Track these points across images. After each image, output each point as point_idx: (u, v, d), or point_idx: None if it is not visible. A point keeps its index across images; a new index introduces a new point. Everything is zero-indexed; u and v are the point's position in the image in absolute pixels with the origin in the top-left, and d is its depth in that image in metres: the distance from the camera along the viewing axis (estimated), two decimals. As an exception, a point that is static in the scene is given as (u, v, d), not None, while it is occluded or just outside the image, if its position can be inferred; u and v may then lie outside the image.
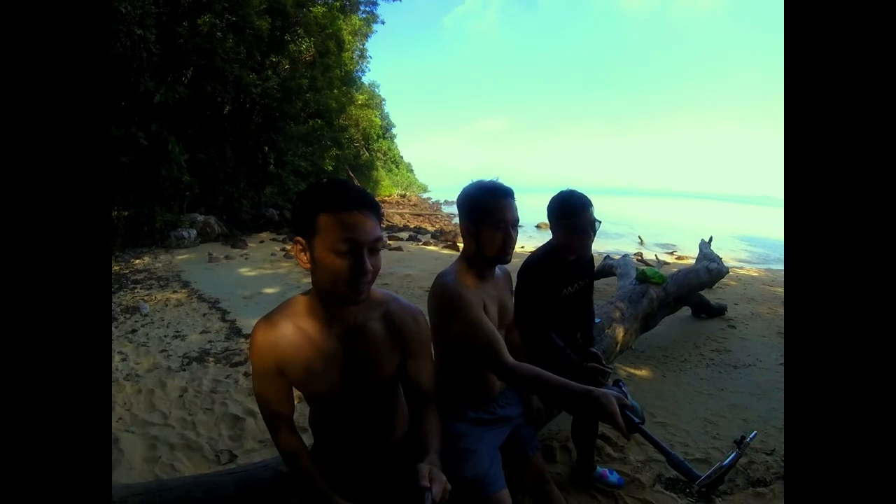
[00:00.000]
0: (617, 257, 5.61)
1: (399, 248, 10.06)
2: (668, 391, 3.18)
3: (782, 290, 6.54)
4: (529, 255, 1.87)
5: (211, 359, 3.68)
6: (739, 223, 29.89)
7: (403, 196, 37.64)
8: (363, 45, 20.99)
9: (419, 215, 22.06)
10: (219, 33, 10.21)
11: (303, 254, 0.98)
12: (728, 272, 5.43)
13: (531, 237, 14.84)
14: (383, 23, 20.84)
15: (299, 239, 0.97)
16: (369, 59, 22.22)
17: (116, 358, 3.64)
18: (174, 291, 5.85)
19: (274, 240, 11.07)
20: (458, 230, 1.42)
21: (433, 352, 1.27)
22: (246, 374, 3.34)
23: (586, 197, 1.75)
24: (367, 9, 19.47)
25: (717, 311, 4.96)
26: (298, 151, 13.69)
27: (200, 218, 10.29)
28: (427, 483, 0.89)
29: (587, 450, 2.10)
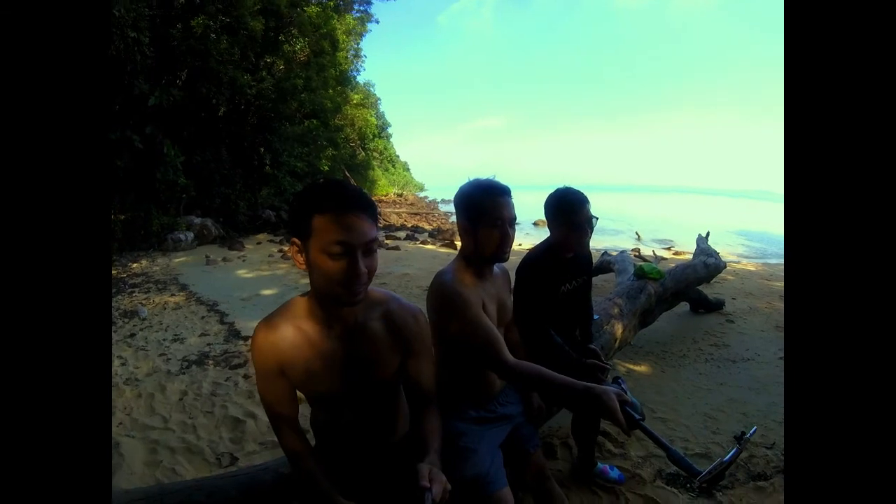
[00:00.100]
0: (614, 253, 5.61)
1: (396, 248, 10.05)
2: (667, 386, 3.19)
3: (780, 284, 6.57)
4: (528, 253, 1.87)
5: (210, 361, 3.67)
6: (736, 218, 29.98)
7: (400, 195, 37.62)
8: (358, 44, 20.95)
9: (416, 214, 22.04)
10: (213, 35, 10.17)
11: (299, 255, 0.98)
12: (725, 267, 5.45)
13: (528, 234, 14.85)
14: (377, 22, 20.82)
15: (295, 240, 0.97)
16: (364, 58, 22.23)
17: (115, 362, 3.63)
18: (172, 295, 5.84)
19: (271, 241, 11.04)
20: (456, 229, 1.42)
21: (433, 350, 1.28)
22: (245, 377, 3.34)
23: (583, 194, 1.76)
24: (362, 8, 19.46)
25: (715, 306, 4.97)
26: (294, 152, 13.65)
27: (197, 220, 10.26)
28: (427, 483, 0.89)
29: (588, 446, 2.10)
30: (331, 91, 15.60)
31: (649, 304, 3.42)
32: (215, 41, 10.23)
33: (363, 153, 29.22)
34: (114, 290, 5.97)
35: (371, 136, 31.27)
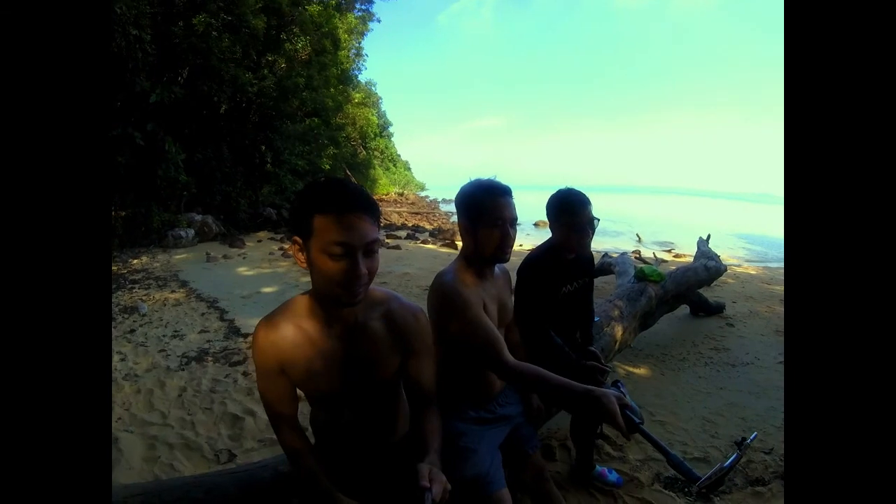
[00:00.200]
0: (615, 255, 5.61)
1: (397, 247, 10.06)
2: (666, 390, 3.19)
3: (780, 288, 6.57)
4: (529, 253, 1.87)
5: (210, 358, 3.67)
6: (738, 221, 29.98)
7: (401, 194, 37.59)
8: (359, 43, 20.97)
9: (417, 213, 22.05)
10: (214, 33, 10.16)
11: (300, 254, 0.97)
12: (726, 270, 5.45)
13: (529, 235, 14.85)
14: (379, 21, 20.85)
15: (297, 239, 0.97)
16: (365, 57, 22.22)
17: (115, 358, 3.63)
18: (172, 291, 5.84)
19: (272, 239, 11.05)
20: (457, 228, 1.41)
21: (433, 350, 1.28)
22: (245, 374, 3.34)
23: (585, 195, 1.75)
24: (363, 7, 19.48)
25: (716, 310, 4.97)
26: (295, 150, 13.65)
27: (198, 217, 10.27)
28: (427, 483, 0.89)
29: (586, 449, 2.10)
30: (332, 90, 15.61)
31: (650, 307, 3.42)
32: (217, 39, 10.23)
33: (364, 152, 29.21)
34: (114, 286, 5.97)
35: (372, 136, 31.25)
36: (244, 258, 8.40)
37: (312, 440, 1.26)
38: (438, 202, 35.00)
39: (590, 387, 1.07)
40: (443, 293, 1.31)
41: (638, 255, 9.71)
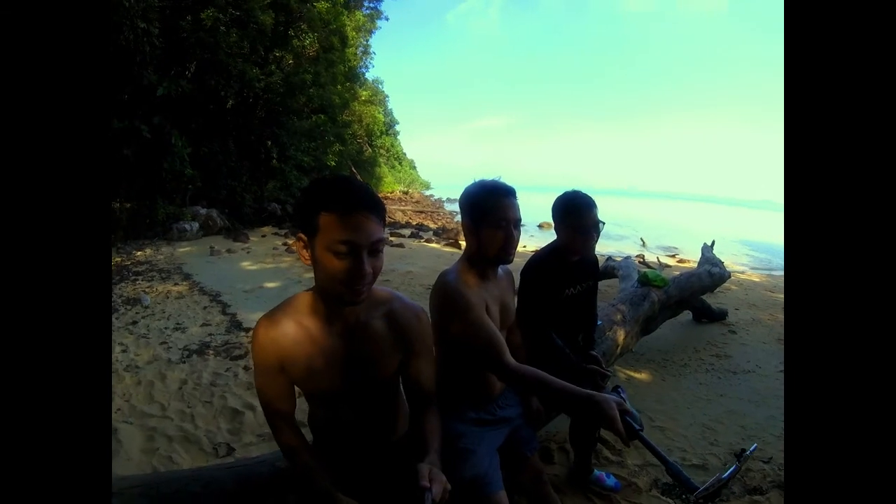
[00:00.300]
0: (619, 259, 5.60)
1: (401, 245, 10.06)
2: (667, 395, 3.18)
3: (784, 296, 6.54)
4: (533, 255, 1.87)
5: (211, 352, 3.68)
6: (742, 227, 29.87)
7: (406, 193, 37.60)
8: (367, 41, 20.94)
9: (421, 212, 22.05)
10: (222, 27, 10.20)
11: (304, 250, 0.97)
12: (730, 277, 5.42)
13: (533, 236, 14.83)
14: (387, 19, 20.85)
15: (301, 235, 0.97)
16: (373, 55, 22.19)
17: (117, 349, 3.65)
18: (175, 284, 5.86)
19: (276, 234, 11.08)
20: (461, 228, 1.41)
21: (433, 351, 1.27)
22: (246, 368, 3.35)
23: (591, 198, 1.75)
24: (371, 5, 19.48)
25: (718, 316, 4.95)
26: (301, 146, 13.68)
27: (203, 211, 10.31)
28: (427, 483, 0.89)
29: (585, 452, 2.10)
30: (339, 87, 15.62)
31: (652, 312, 3.41)
32: (225, 34, 10.26)
33: (370, 150, 29.22)
34: (117, 278, 6.00)
35: (378, 133, 31.28)
36: (248, 253, 8.42)
37: (310, 438, 1.26)
38: (443, 201, 34.99)
39: (590, 392, 1.07)
40: (445, 293, 1.31)
41: (642, 260, 9.69)
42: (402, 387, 1.21)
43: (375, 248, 0.95)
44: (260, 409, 2.67)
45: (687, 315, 4.80)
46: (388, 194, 30.96)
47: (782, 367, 3.73)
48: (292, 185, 13.35)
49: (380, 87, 33.90)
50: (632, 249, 12.59)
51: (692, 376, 3.56)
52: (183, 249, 8.37)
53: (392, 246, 9.72)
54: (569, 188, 1.83)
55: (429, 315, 1.23)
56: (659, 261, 9.79)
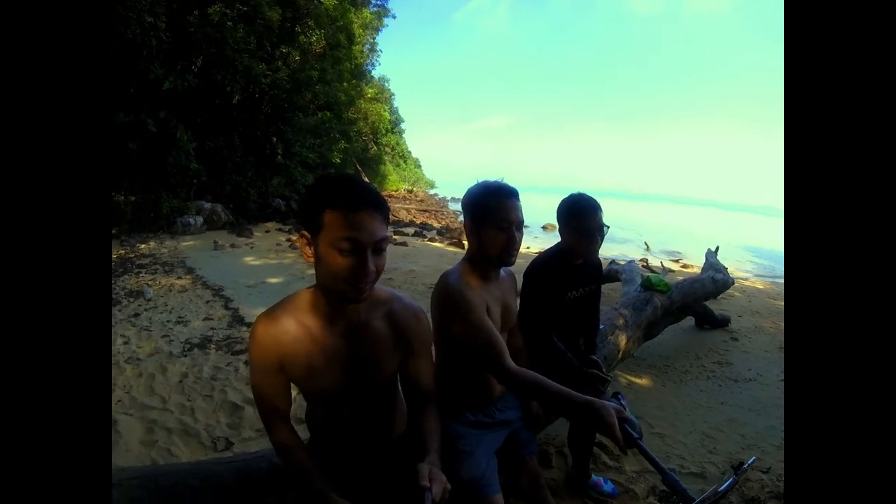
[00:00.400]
0: (623, 262, 5.58)
1: (404, 244, 10.06)
2: (667, 402, 3.17)
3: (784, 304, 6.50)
4: (537, 257, 1.87)
5: (212, 346, 3.69)
6: (747, 233, 29.75)
7: (410, 191, 37.59)
8: (374, 38, 20.94)
9: (425, 211, 22.04)
10: (229, 23, 10.22)
11: (307, 247, 0.97)
12: (734, 283, 5.40)
13: (537, 238, 14.82)
14: (394, 17, 20.84)
15: (304, 232, 0.97)
16: (379, 52, 22.19)
17: (118, 341, 3.66)
18: (178, 277, 5.88)
19: (280, 230, 11.10)
20: (464, 228, 1.42)
21: (434, 351, 1.27)
22: (247, 363, 3.35)
23: (596, 201, 1.75)
24: (379, 2, 19.48)
25: (721, 323, 4.93)
26: (307, 143, 13.70)
27: (207, 206, 10.33)
28: (427, 483, 0.89)
29: (583, 457, 2.09)
30: (345, 84, 15.63)
31: (655, 317, 3.40)
32: (231, 29, 10.28)
33: (375, 147, 29.23)
34: (121, 270, 6.02)
35: (384, 131, 31.27)
36: (251, 248, 8.44)
37: (308, 436, 1.26)
38: (447, 200, 34.98)
39: (589, 398, 1.06)
40: (447, 294, 1.31)
41: (645, 264, 9.66)
42: (399, 386, 1.21)
43: (379, 247, 0.95)
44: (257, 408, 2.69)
45: (689, 321, 4.79)
46: (393, 192, 30.96)
47: (783, 376, 3.72)
48: (297, 182, 13.37)
49: (386, 84, 33.91)
50: (635, 253, 12.55)
51: (693, 383, 3.55)
52: (187, 243, 8.40)
53: (395, 244, 9.72)
54: (574, 190, 1.83)
55: (429, 315, 1.23)
56: (663, 265, 9.76)
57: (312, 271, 1.01)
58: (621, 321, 2.92)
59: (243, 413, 2.68)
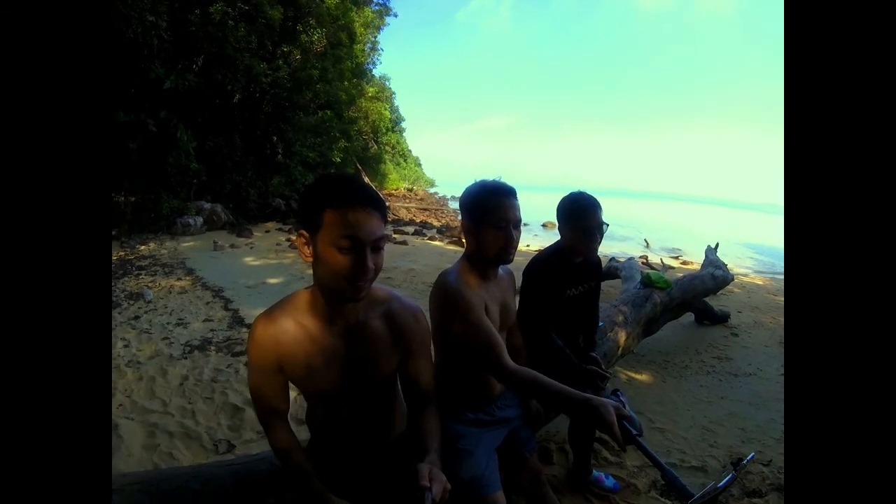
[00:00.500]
0: (622, 260, 5.58)
1: (404, 243, 10.05)
2: (667, 397, 3.17)
3: (784, 299, 6.50)
4: (536, 254, 1.88)
5: (213, 347, 3.70)
6: (746, 230, 29.73)
7: (410, 190, 37.56)
8: (375, 37, 20.88)
9: (425, 210, 22.02)
10: (230, 22, 10.21)
11: (306, 247, 0.98)
12: (733, 280, 5.40)
13: (537, 236, 14.82)
14: (396, 16, 20.78)
15: (303, 232, 0.98)
16: (381, 51, 22.12)
17: (119, 344, 3.67)
18: (178, 279, 5.89)
19: (280, 230, 11.10)
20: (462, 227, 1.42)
21: (433, 351, 1.27)
22: (247, 365, 3.35)
23: (595, 199, 1.76)
24: (380, 1, 19.42)
25: (721, 319, 4.93)
26: (307, 142, 13.70)
27: (207, 206, 10.33)
28: (427, 483, 0.89)
29: (584, 453, 2.10)
30: (346, 83, 15.61)
31: (654, 313, 3.40)
32: (233, 28, 10.27)
33: (376, 146, 29.20)
34: (121, 272, 6.03)
35: (384, 130, 31.24)
36: (251, 248, 8.44)
37: (308, 436, 1.27)
38: (447, 199, 34.96)
39: (588, 395, 1.07)
40: (446, 294, 1.31)
41: (645, 261, 9.66)
42: (399, 386, 1.21)
43: (377, 245, 0.97)
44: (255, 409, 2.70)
45: (689, 317, 4.79)
46: (393, 191, 30.94)
47: (783, 371, 3.72)
48: (297, 181, 13.37)
49: (387, 83, 33.85)
50: (635, 250, 12.55)
51: (693, 378, 3.55)
52: (186, 244, 8.40)
53: (395, 243, 9.72)
54: (573, 188, 1.84)
55: (428, 315, 1.23)
56: (662, 262, 9.76)
57: (311, 271, 1.01)
58: (621, 318, 2.92)
59: (244, 415, 2.68)
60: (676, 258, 12.00)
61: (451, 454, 1.30)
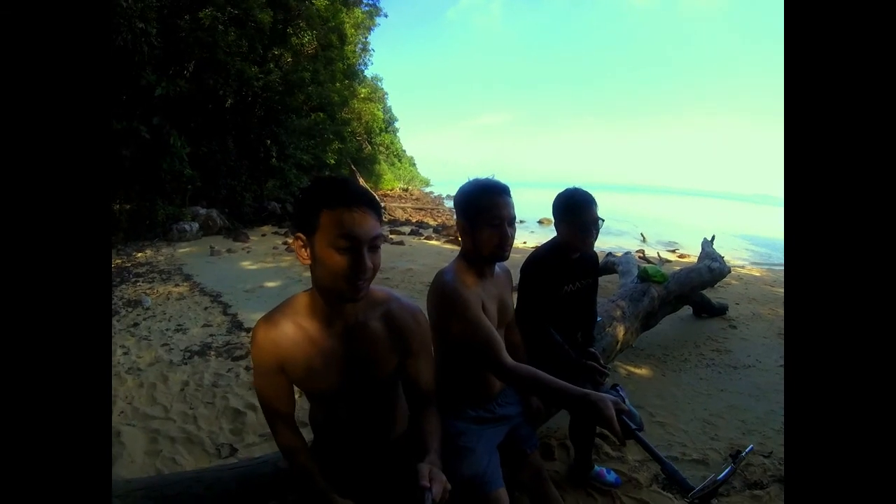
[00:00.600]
0: (619, 254, 5.60)
1: (401, 243, 10.05)
2: (667, 391, 3.19)
3: (784, 290, 6.53)
4: (534, 251, 1.88)
5: (212, 352, 3.69)
6: (742, 222, 29.83)
7: (406, 190, 37.53)
8: (366, 38, 20.84)
9: (421, 209, 22.00)
10: (220, 26, 10.17)
11: (303, 250, 0.99)
12: (730, 272, 5.42)
13: (533, 233, 14.85)
14: (386, 16, 20.76)
15: (300, 235, 0.98)
16: (372, 52, 22.08)
17: (118, 352, 3.66)
18: (176, 285, 5.87)
19: (276, 233, 11.08)
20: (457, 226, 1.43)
21: (432, 350, 1.28)
22: (247, 368, 3.36)
23: (591, 195, 1.77)
24: (370, 2, 19.39)
25: (719, 311, 4.95)
26: (301, 145, 13.67)
27: (202, 211, 10.31)
28: (427, 483, 0.90)
29: (585, 448, 2.11)
30: (338, 84, 15.59)
31: (652, 308, 3.41)
32: (223, 33, 10.23)
33: (370, 147, 29.15)
34: (118, 280, 6.01)
35: (378, 131, 31.22)
36: (248, 252, 8.42)
37: (311, 437, 1.27)
38: (443, 198, 34.95)
39: (587, 391, 1.07)
40: (443, 293, 1.32)
41: (642, 255, 9.69)
42: (400, 386, 1.22)
43: (374, 244, 0.98)
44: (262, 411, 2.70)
45: (687, 310, 4.81)
46: (388, 192, 30.90)
47: (783, 362, 3.74)
48: (292, 184, 13.35)
49: (379, 84, 33.78)
50: (632, 245, 12.58)
51: (692, 371, 3.57)
52: (183, 250, 8.38)
53: (392, 244, 9.71)
54: (569, 184, 1.85)
55: (427, 315, 1.23)
56: (659, 256, 9.79)
57: (309, 273, 1.02)
58: (619, 313, 2.93)
59: (246, 419, 2.68)
60: (673, 251, 12.04)
61: (453, 452, 1.31)
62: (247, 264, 7.40)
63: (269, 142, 12.99)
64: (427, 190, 47.58)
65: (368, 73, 26.75)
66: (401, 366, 1.14)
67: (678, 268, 4.95)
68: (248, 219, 11.82)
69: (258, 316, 1.09)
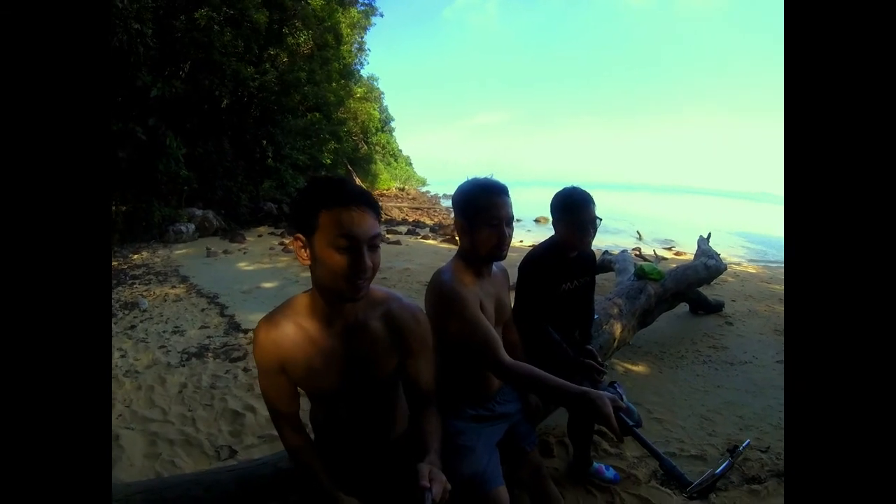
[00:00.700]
0: (616, 252, 5.61)
1: (398, 242, 10.04)
2: (664, 387, 3.20)
3: (780, 287, 6.57)
4: (532, 249, 1.89)
5: (210, 354, 3.68)
6: (738, 219, 29.92)
7: (402, 189, 37.48)
8: (362, 38, 20.83)
9: (418, 209, 21.99)
10: (216, 27, 10.13)
11: (303, 250, 0.99)
12: (726, 269, 5.44)
13: (530, 231, 14.86)
14: (382, 15, 20.74)
15: (299, 236, 0.99)
16: (368, 52, 22.06)
17: (116, 354, 3.64)
18: (173, 286, 5.85)
19: (272, 234, 11.04)
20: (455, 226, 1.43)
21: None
22: (245, 370, 3.35)
23: (588, 194, 1.78)
24: (366, 1, 19.38)
25: (715, 308, 4.97)
26: (297, 145, 13.65)
27: (199, 212, 10.28)
28: (427, 483, 0.91)
29: (584, 446, 2.12)
30: (334, 84, 15.57)
31: (649, 305, 3.43)
32: (219, 33, 10.19)
33: (366, 147, 29.14)
34: (115, 282, 5.98)
35: (374, 130, 31.21)
36: (244, 253, 8.40)
37: (312, 437, 1.28)
38: (439, 197, 34.94)
39: (585, 388, 1.08)
40: (441, 292, 1.32)
41: (638, 253, 9.71)
42: (400, 386, 1.22)
43: (374, 243, 0.98)
44: (260, 410, 2.70)
45: (684, 307, 4.83)
46: (384, 191, 30.87)
47: (779, 358, 3.77)
48: (288, 184, 13.32)
49: (375, 83, 33.77)
50: (628, 243, 12.60)
51: (689, 368, 3.59)
52: (179, 251, 8.35)
53: (389, 243, 9.70)
54: (566, 183, 1.85)
55: (427, 315, 1.24)
56: (655, 254, 9.82)
57: (307, 274, 1.02)
58: (616, 310, 2.94)
59: (244, 420, 2.68)
60: (669, 249, 12.07)
61: (452, 451, 1.31)
62: (243, 265, 7.39)
63: (265, 142, 12.96)
64: (423, 189, 47.52)
65: (364, 72, 26.76)
66: (401, 366, 1.15)
67: (674, 265, 4.97)
68: (245, 220, 11.78)
69: (256, 317, 1.10)
